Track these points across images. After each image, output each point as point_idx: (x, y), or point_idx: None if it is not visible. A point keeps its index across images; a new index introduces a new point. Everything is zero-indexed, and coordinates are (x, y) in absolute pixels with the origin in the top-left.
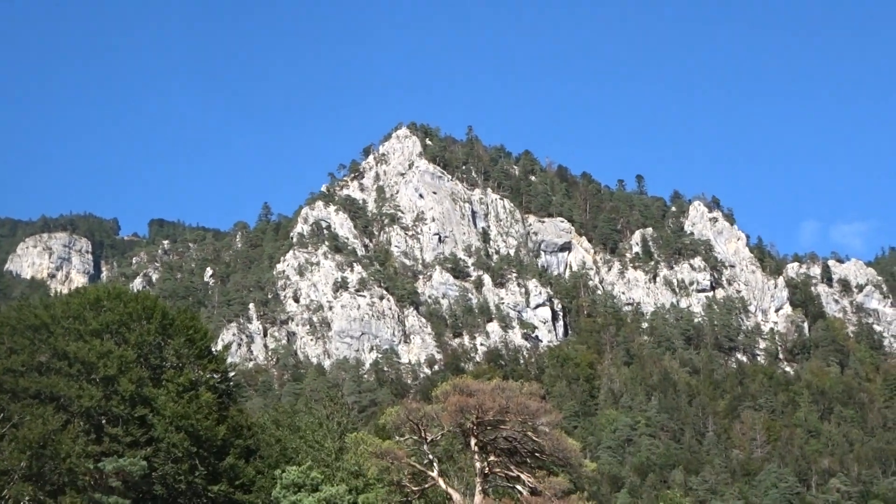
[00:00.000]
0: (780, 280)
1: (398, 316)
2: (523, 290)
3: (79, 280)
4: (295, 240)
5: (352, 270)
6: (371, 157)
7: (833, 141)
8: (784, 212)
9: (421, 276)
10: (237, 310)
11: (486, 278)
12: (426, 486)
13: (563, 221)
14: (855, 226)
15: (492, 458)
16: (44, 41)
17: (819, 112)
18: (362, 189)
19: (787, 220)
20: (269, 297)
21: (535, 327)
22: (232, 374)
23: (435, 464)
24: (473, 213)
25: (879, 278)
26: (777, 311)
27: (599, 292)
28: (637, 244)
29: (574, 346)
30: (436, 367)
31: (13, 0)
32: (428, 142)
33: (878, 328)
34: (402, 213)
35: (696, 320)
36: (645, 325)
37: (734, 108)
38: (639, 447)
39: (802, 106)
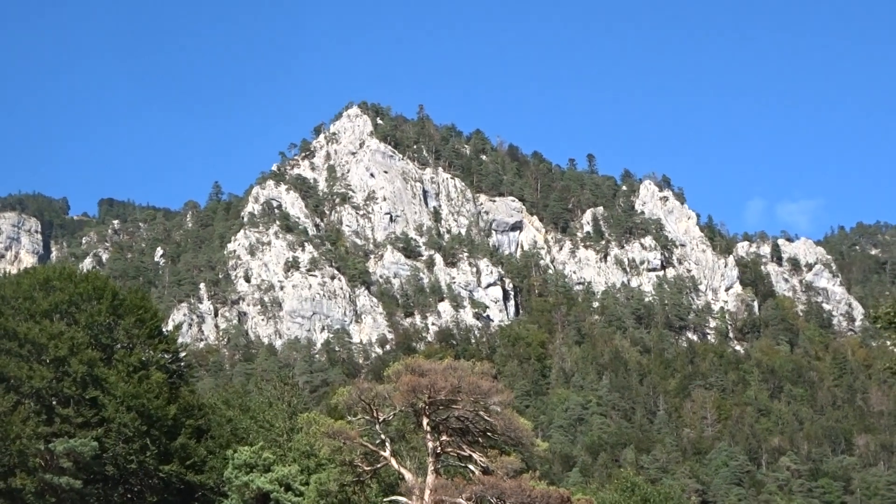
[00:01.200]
0: (731, 259)
1: (349, 296)
2: (474, 269)
3: (28, 260)
4: (246, 219)
5: (303, 250)
6: (322, 137)
7: (778, 119)
8: (731, 190)
9: (372, 256)
10: (188, 290)
11: (438, 258)
12: (378, 465)
13: (514, 201)
14: (801, 204)
15: (444, 437)
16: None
17: (766, 90)
18: (313, 168)
19: (734, 198)
20: (220, 276)
21: (487, 307)
22: (183, 354)
23: (387, 444)
24: (425, 192)
25: (829, 257)
26: (727, 290)
27: (550, 271)
28: (588, 223)
29: (525, 325)
30: (387, 347)
31: None
32: (379, 121)
33: (827, 307)
34: (354, 192)
35: (646, 299)
36: (596, 304)
37: (683, 85)
38: (590, 426)
39: (750, 84)
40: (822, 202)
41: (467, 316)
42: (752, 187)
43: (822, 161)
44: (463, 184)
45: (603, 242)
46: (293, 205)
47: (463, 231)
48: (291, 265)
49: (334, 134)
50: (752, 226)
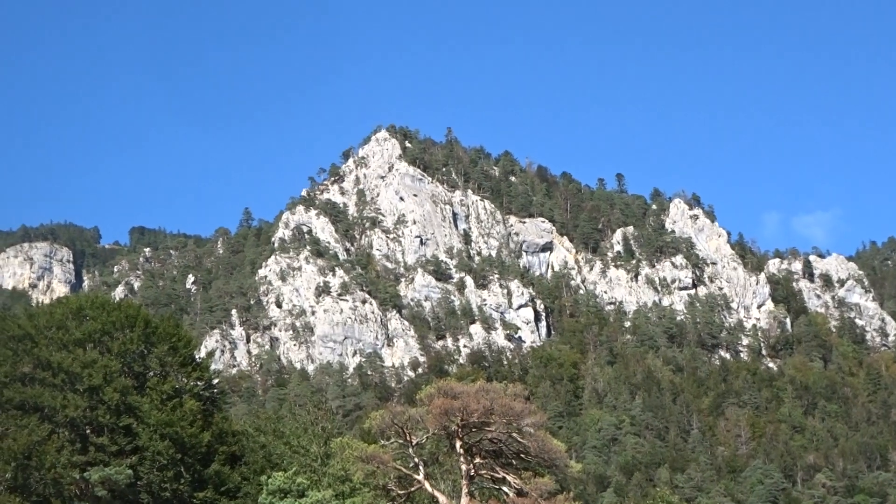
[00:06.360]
0: (762, 276)
1: (381, 319)
2: (505, 291)
3: (60, 290)
4: (276, 245)
5: (334, 275)
6: (351, 161)
7: (790, 131)
8: (750, 206)
9: (403, 279)
10: (220, 316)
11: (469, 280)
12: (412, 489)
13: (544, 222)
14: (817, 216)
15: (477, 460)
16: (22, 50)
17: (779, 104)
18: (343, 193)
19: (753, 213)
20: (252, 302)
21: (518, 328)
22: (216, 380)
23: (421, 467)
24: (454, 214)
25: (860, 273)
26: (759, 307)
27: (582, 292)
28: (618, 243)
29: (557, 346)
30: (419, 370)
31: None
32: (407, 144)
33: (860, 322)
34: (383, 216)
35: (678, 318)
36: (627, 323)
37: (709, 104)
38: (624, 446)
39: (765, 101)
40: (838, 213)
41: (499, 338)
42: (767, 201)
43: (834, 171)
44: (492, 206)
45: (633, 262)
46: (323, 229)
47: (493, 253)
48: (322, 290)
49: (363, 158)
50: (773, 240)
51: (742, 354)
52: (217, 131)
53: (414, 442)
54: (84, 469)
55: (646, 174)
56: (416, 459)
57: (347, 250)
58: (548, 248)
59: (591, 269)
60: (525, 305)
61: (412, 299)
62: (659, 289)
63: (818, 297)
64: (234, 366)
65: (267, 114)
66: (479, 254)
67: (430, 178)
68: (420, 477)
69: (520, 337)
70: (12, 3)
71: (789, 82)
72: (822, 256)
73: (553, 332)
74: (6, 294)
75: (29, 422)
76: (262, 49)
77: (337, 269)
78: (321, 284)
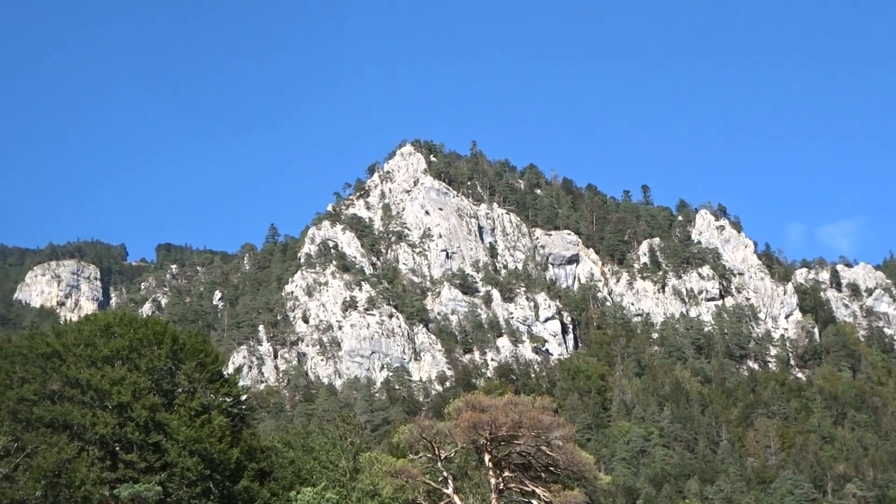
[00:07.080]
0: (789, 286)
1: (408, 333)
2: (532, 303)
3: (88, 307)
4: (302, 260)
5: (360, 289)
6: (376, 176)
7: (811, 141)
8: (773, 216)
9: (429, 293)
10: (247, 332)
11: (495, 293)
12: (441, 503)
13: (569, 234)
14: (841, 225)
15: (506, 473)
16: (54, 64)
17: (802, 115)
18: (368, 207)
19: (778, 224)
20: (279, 318)
21: (546, 341)
22: (244, 396)
23: (450, 481)
24: (480, 228)
25: (888, 281)
26: (787, 317)
27: (608, 304)
28: (645, 254)
29: (585, 358)
30: (447, 384)
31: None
32: (432, 158)
33: (888, 331)
34: (409, 230)
35: (706, 329)
36: (655, 335)
37: (733, 114)
38: (653, 458)
39: (788, 111)
40: (863, 221)
41: (526, 350)
42: (792, 211)
43: (858, 180)
44: (518, 218)
45: (660, 273)
46: (349, 244)
47: (519, 266)
48: (349, 305)
49: (388, 172)
50: (798, 250)
51: (770, 365)
52: (243, 148)
53: (443, 456)
54: (114, 486)
55: (671, 186)
56: (445, 473)
57: (374, 265)
58: (574, 260)
59: (618, 280)
60: (552, 318)
61: (439, 313)
62: (686, 300)
63: (846, 306)
64: (262, 381)
65: (292, 130)
66: (505, 267)
67: (455, 192)
68: (449, 491)
69: (547, 349)
70: (34, 14)
71: (812, 92)
72: (849, 265)
73: (580, 345)
74: (34, 312)
75: (58, 439)
76: (286, 65)
77: (363, 283)
78: (348, 299)
